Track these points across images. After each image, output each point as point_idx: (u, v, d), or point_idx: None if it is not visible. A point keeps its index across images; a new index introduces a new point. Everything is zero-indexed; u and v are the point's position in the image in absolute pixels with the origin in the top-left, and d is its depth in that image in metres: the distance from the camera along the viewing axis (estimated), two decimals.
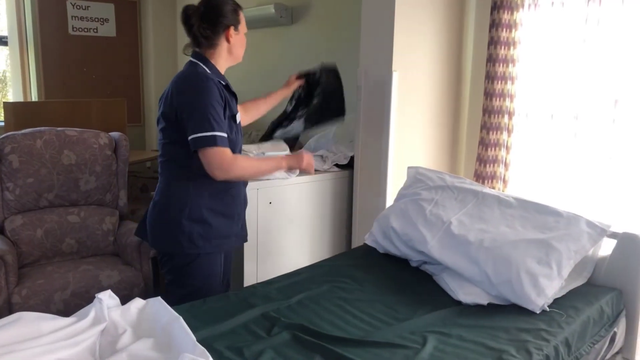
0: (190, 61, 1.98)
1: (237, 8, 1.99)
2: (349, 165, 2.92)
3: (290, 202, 2.72)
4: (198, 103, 1.83)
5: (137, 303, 1.63)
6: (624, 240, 1.89)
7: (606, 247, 1.98)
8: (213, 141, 1.81)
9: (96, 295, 1.57)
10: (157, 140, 2.03)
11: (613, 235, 1.92)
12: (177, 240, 1.94)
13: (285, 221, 2.73)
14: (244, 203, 2.13)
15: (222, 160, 1.83)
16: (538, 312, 1.73)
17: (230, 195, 2.01)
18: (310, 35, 3.64)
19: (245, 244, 2.57)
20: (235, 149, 1.98)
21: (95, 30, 4.87)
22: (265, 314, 1.72)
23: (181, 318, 1.52)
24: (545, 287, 1.76)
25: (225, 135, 1.85)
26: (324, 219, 2.90)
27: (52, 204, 2.95)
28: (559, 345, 1.55)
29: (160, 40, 5.06)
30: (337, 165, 2.94)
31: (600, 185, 2.48)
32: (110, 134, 3.19)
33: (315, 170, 2.89)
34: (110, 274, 2.72)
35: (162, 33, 5.06)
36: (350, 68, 2.98)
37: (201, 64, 1.94)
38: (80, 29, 4.79)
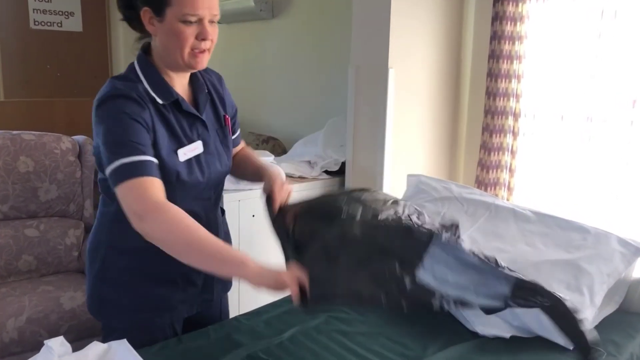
0: (130, 64, 1.46)
1: None
2: (340, 172, 2.66)
3: None
4: (105, 127, 1.31)
5: (96, 349, 1.34)
6: None
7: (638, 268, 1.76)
8: (126, 171, 1.26)
9: (45, 342, 1.28)
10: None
11: None
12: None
13: (270, 236, 2.45)
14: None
15: (137, 197, 1.25)
16: (571, 348, 1.49)
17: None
18: (293, 30, 3.36)
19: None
20: (186, 193, 1.43)
21: (59, 25, 4.53)
22: (253, 354, 1.45)
23: None
24: None
25: (149, 159, 1.29)
26: None
27: (6, 217, 2.64)
28: None
29: (131, 35, 4.71)
30: (326, 172, 2.68)
31: (617, 194, 2.26)
32: (73, 137, 2.89)
33: (303, 178, 2.62)
34: (73, 296, 2.43)
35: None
36: (339, 65, 2.73)
37: (137, 67, 1.42)
38: (42, 23, 4.44)
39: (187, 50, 1.35)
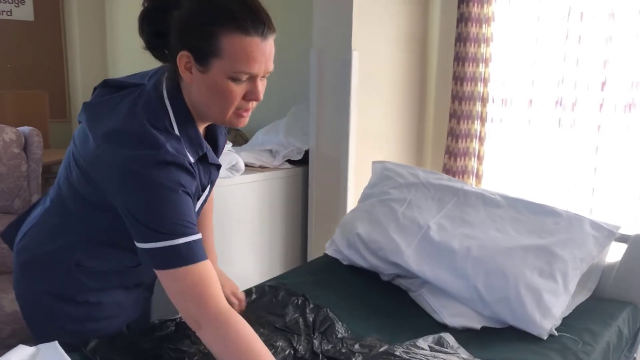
0: (155, 82, 1.14)
1: (239, 16, 1.02)
2: (303, 161, 2.53)
3: (234, 204, 2.31)
4: (143, 199, 1.05)
5: (22, 353, 1.18)
6: (637, 244, 1.59)
7: (612, 253, 1.68)
8: (182, 255, 1.04)
9: None
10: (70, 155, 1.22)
11: (622, 238, 1.62)
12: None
13: (228, 227, 2.31)
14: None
15: (197, 298, 1.05)
16: (545, 337, 1.40)
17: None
18: None
19: None
20: None
21: (9, 13, 4.28)
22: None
23: None
24: (551, 305, 1.43)
25: (199, 237, 1.07)
26: (275, 225, 2.50)
27: None
28: None
29: (86, 26, 4.50)
30: (289, 161, 2.55)
31: (589, 181, 2.20)
32: (18, 128, 2.69)
33: (264, 167, 2.49)
34: (14, 298, 2.24)
35: (88, 18, 4.50)
36: (300, 48, 2.60)
37: (171, 115, 1.11)
38: None
39: (231, 110, 1.10)
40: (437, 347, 1.30)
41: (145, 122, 1.07)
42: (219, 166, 1.27)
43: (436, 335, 1.34)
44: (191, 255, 1.04)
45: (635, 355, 1.52)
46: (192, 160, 1.13)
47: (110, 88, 1.22)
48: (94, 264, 1.25)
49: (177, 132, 1.11)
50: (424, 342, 1.31)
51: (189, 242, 1.04)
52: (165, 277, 1.05)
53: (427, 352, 1.26)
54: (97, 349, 1.28)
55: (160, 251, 1.03)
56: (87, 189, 1.15)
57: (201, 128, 1.21)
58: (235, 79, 1.06)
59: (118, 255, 1.25)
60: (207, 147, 1.19)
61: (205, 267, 1.06)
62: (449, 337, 1.36)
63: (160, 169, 1.04)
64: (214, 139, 1.29)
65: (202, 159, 1.19)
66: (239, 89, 1.07)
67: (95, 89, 1.26)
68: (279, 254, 2.53)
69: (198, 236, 1.06)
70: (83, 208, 1.20)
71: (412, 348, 1.27)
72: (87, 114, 1.17)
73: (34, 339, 1.35)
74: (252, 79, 1.08)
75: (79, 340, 1.29)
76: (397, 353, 1.22)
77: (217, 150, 1.30)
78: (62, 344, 1.18)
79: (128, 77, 1.25)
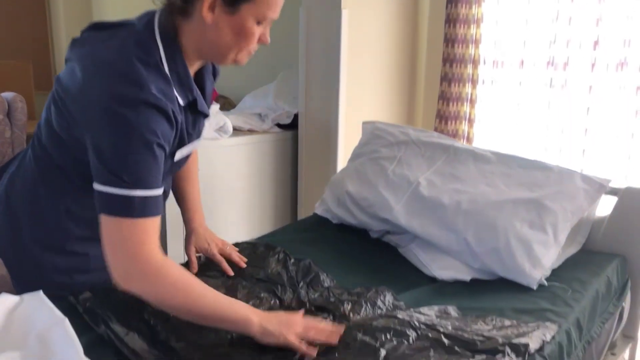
0: (146, 22, 1.11)
1: None
2: (293, 125, 2.50)
3: (223, 167, 2.28)
4: (116, 141, 1.02)
5: (7, 300, 1.16)
6: (627, 197, 1.58)
7: (602, 207, 1.68)
8: (131, 206, 1.03)
9: None
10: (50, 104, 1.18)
11: (612, 191, 1.61)
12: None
13: (218, 190, 2.29)
14: None
15: (138, 254, 1.04)
16: (535, 287, 1.40)
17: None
18: None
19: (169, 219, 2.12)
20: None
21: None
22: None
23: (66, 321, 1.07)
24: (541, 256, 1.42)
25: (158, 193, 1.07)
26: (265, 187, 2.47)
27: None
28: (571, 329, 1.22)
29: None
30: (278, 125, 2.52)
31: (580, 142, 2.19)
32: (2, 94, 2.65)
33: (252, 131, 2.46)
34: None
35: None
36: (289, 8, 2.55)
37: (161, 50, 1.09)
38: None
39: (246, 50, 1.13)
40: (443, 314, 1.26)
41: (133, 59, 1.04)
42: (206, 115, 1.24)
43: (442, 306, 1.30)
44: (143, 209, 1.03)
45: (623, 304, 1.52)
46: (182, 103, 1.12)
47: (98, 30, 1.19)
48: (81, 211, 1.23)
49: (166, 69, 1.09)
50: (429, 310, 1.28)
51: (146, 197, 1.04)
52: (110, 224, 1.04)
53: (432, 317, 1.23)
54: (88, 299, 1.26)
55: (115, 198, 1.02)
56: (65, 128, 1.13)
57: (192, 71, 1.18)
58: (260, 22, 1.10)
59: None
60: (197, 93, 1.17)
61: (152, 224, 1.05)
62: (453, 310, 1.31)
63: (139, 112, 1.01)
64: (201, 87, 1.25)
65: (192, 106, 1.16)
66: (258, 31, 1.11)
67: (82, 32, 1.22)
68: (269, 216, 2.51)
69: (157, 192, 1.06)
70: (60, 150, 1.18)
71: (416, 314, 1.23)
72: (76, 48, 1.15)
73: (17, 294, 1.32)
74: (266, 23, 1.12)
75: (66, 293, 1.27)
76: (400, 316, 1.19)
77: (205, 98, 1.27)
78: (48, 296, 1.16)
79: (115, 21, 1.22)
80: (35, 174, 1.25)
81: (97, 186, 1.04)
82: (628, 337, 1.64)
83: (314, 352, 1.08)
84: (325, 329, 1.12)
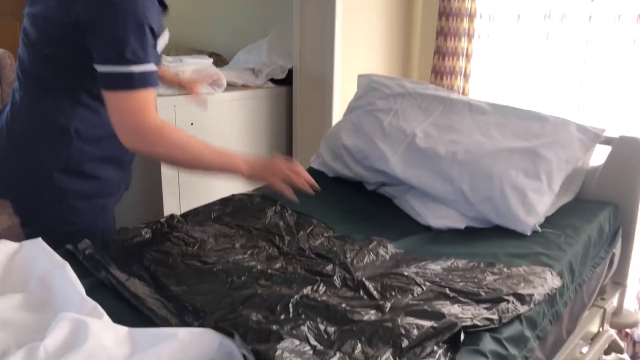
0: None
1: None
2: (287, 81, 2.48)
3: (217, 123, 2.27)
4: (117, 17, 1.18)
5: (6, 247, 1.17)
6: (621, 146, 1.59)
7: (595, 157, 1.69)
8: (131, 80, 1.20)
9: None
10: (22, 42, 1.34)
11: (607, 140, 1.62)
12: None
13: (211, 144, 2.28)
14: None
15: (141, 118, 1.22)
16: (529, 233, 1.42)
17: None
18: None
19: (164, 176, 2.12)
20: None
21: None
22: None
23: (67, 264, 1.09)
24: (535, 203, 1.44)
25: (153, 68, 1.24)
26: (259, 143, 2.46)
27: None
28: (564, 272, 1.24)
29: None
30: (272, 80, 2.49)
31: (575, 95, 2.19)
32: None
33: (246, 86, 2.43)
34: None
35: None
36: None
37: None
38: None
39: None
40: (450, 268, 1.27)
41: None
42: (165, 7, 1.37)
43: (449, 261, 1.30)
44: (141, 81, 1.21)
45: (614, 251, 1.55)
46: None
47: None
48: (91, 130, 1.35)
49: None
50: (435, 265, 1.28)
51: (142, 72, 1.21)
52: (115, 98, 1.22)
53: (439, 271, 1.23)
54: (88, 246, 1.27)
55: (117, 75, 1.20)
56: (53, 45, 1.27)
57: None
58: None
59: (107, 119, 1.28)
60: None
61: (149, 94, 1.24)
62: (460, 263, 1.31)
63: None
64: None
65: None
66: None
67: None
68: None
69: (152, 67, 1.23)
70: (52, 71, 1.30)
71: (421, 270, 1.24)
72: None
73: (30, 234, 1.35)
74: None
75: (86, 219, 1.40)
76: (406, 274, 1.19)
77: None
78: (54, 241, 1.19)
79: None
80: (32, 108, 1.34)
81: (100, 68, 1.21)
82: (617, 283, 1.68)
83: (294, 197, 1.33)
84: (305, 175, 1.36)
